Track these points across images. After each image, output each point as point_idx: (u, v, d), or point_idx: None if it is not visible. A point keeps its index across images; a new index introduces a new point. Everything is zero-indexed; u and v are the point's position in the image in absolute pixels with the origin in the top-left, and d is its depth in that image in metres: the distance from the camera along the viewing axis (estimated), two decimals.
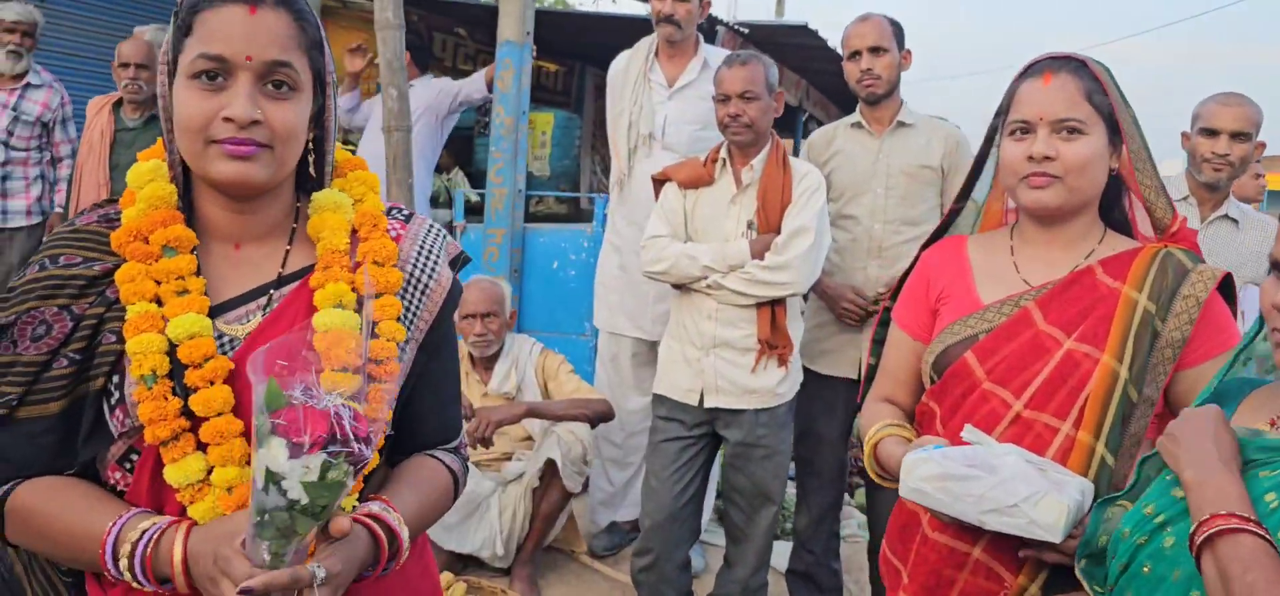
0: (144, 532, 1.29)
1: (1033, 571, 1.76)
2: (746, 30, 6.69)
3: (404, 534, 1.41)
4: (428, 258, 1.54)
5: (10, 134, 5.40)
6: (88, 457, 1.36)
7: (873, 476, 1.99)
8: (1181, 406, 1.78)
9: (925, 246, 2.12)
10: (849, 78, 3.61)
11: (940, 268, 2.03)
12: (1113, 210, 1.96)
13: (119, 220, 1.41)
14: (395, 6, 3.69)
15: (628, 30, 5.18)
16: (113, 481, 1.38)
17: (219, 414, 1.33)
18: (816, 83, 9.32)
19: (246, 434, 1.34)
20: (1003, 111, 1.92)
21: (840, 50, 3.68)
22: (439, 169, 10.80)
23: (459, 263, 1.60)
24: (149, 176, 1.41)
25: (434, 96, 5.70)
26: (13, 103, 5.40)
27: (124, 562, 1.28)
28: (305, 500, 1.18)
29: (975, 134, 3.68)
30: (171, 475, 1.32)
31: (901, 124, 3.59)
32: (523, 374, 4.15)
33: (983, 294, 1.93)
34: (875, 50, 3.51)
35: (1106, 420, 1.75)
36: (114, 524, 1.31)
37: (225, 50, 1.33)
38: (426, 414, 1.54)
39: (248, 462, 1.33)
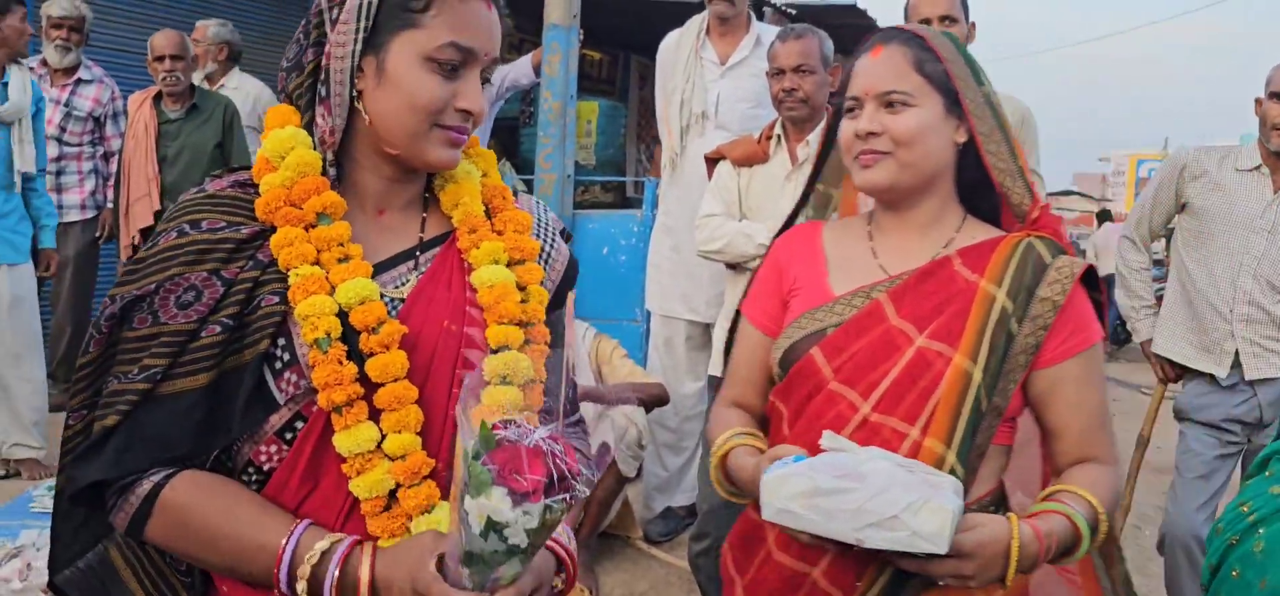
0: (326, 553, 1.24)
1: (870, 582, 1.62)
2: (794, 11, 6.60)
3: (574, 549, 1.43)
4: (547, 230, 1.57)
5: (63, 129, 5.46)
6: (246, 430, 1.31)
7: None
8: (1043, 406, 1.70)
9: (777, 236, 1.96)
10: None
11: (793, 256, 1.87)
12: (983, 194, 1.79)
13: (254, 186, 1.38)
14: None
15: (672, 15, 5.11)
16: (263, 460, 1.33)
17: (395, 379, 1.31)
18: None
19: (419, 400, 1.32)
20: (840, 90, 1.79)
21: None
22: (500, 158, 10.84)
23: (566, 236, 1.63)
24: (290, 143, 1.37)
25: None
26: (65, 98, 5.46)
27: (303, 585, 1.23)
28: (525, 544, 1.16)
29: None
30: (343, 442, 1.28)
31: None
32: (576, 359, 4.11)
33: (834, 284, 1.77)
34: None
35: (958, 426, 1.60)
36: (287, 539, 1.25)
37: (474, 43, 1.33)
38: (547, 384, 1.51)
39: (420, 431, 1.32)
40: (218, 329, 1.28)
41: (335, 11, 1.35)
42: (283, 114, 1.40)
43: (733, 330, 1.96)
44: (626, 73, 11.50)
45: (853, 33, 7.62)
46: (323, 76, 1.36)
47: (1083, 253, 16.80)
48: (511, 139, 8.77)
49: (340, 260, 1.34)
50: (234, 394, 1.28)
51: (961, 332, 1.63)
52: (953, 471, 1.58)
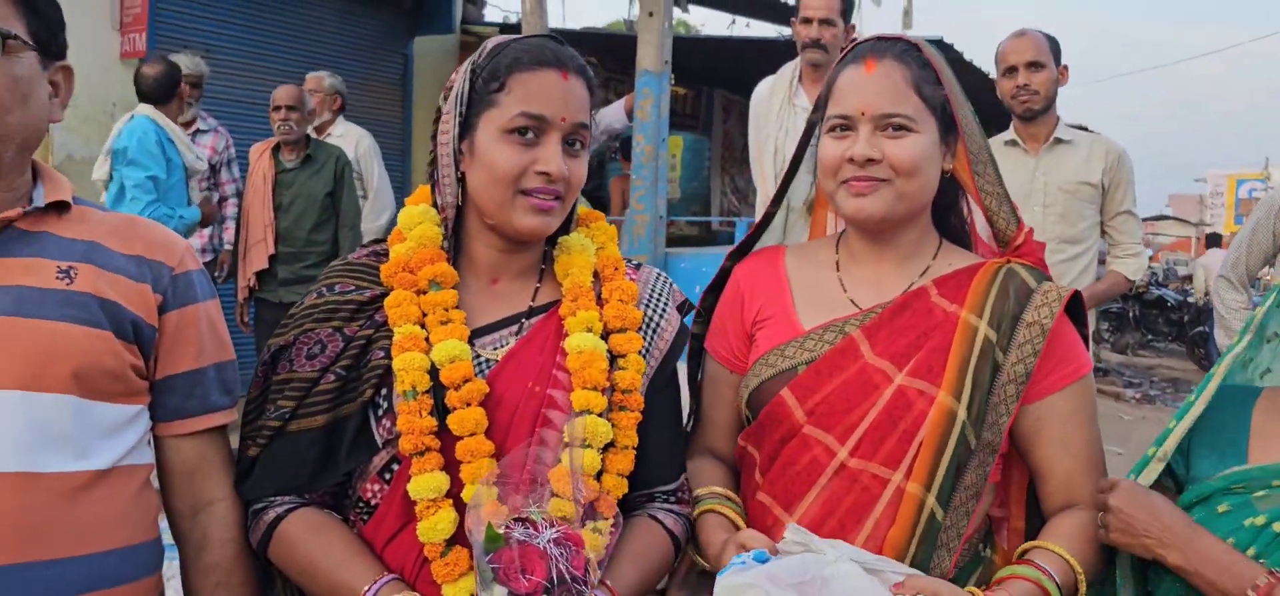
0: None
1: None
2: None
3: None
4: (658, 301, 1.66)
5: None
6: (351, 467, 1.50)
7: (694, 560, 1.65)
8: (1029, 445, 1.60)
9: (734, 257, 1.82)
10: (1003, 94, 3.59)
11: (756, 284, 1.73)
12: (948, 216, 1.71)
13: (387, 255, 1.58)
14: None
15: (756, 53, 5.22)
16: (369, 496, 1.52)
17: (472, 434, 1.45)
18: None
19: (496, 454, 1.46)
20: (821, 103, 1.65)
21: (995, 67, 3.65)
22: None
23: (684, 309, 1.71)
24: (418, 219, 1.57)
25: None
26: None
27: None
28: None
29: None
30: (415, 487, 1.44)
31: (1058, 140, 3.55)
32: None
33: (803, 318, 1.65)
34: (1032, 66, 3.47)
35: (940, 468, 1.51)
36: (369, 589, 1.42)
37: (546, 110, 1.47)
38: (654, 449, 1.62)
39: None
40: (333, 378, 1.50)
41: (444, 104, 1.55)
42: (422, 193, 1.61)
43: (692, 354, 1.81)
44: (711, 106, 11.63)
45: None
46: (436, 161, 1.56)
47: (1188, 279, 16.28)
48: (598, 171, 8.96)
49: (442, 322, 1.51)
50: (345, 435, 1.49)
51: (943, 368, 1.54)
52: (930, 516, 1.51)
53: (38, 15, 1.40)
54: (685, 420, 1.79)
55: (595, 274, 1.63)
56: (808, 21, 3.71)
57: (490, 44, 1.54)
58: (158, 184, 4.86)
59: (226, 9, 7.11)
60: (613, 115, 5.86)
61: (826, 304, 1.65)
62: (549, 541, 1.31)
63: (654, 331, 1.64)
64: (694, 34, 13.43)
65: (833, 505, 1.55)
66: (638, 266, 1.71)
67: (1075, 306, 1.63)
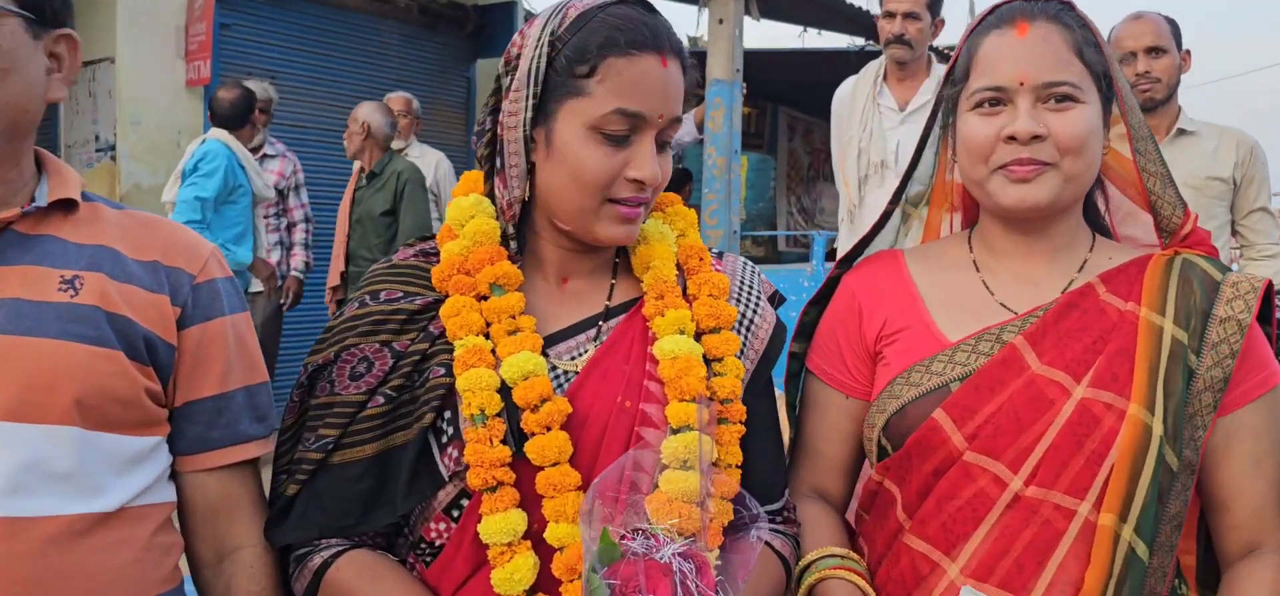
0: None
1: None
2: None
3: None
4: (751, 294, 1.44)
5: None
6: (411, 506, 1.27)
7: None
8: (1212, 468, 1.36)
9: (842, 266, 1.58)
10: None
11: (876, 293, 1.49)
12: (1090, 209, 1.49)
13: (437, 254, 1.36)
14: None
15: (823, 65, 5.05)
16: (433, 536, 1.30)
17: (556, 463, 1.23)
18: None
19: (583, 486, 1.23)
20: (959, 78, 1.42)
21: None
22: None
23: (775, 301, 1.48)
24: (470, 211, 1.34)
25: None
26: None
27: None
28: None
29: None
30: (487, 529, 1.22)
31: (1182, 131, 3.27)
32: None
33: (945, 327, 1.42)
34: (1153, 51, 3.20)
35: (1137, 495, 1.27)
36: None
37: (644, 107, 1.24)
38: (756, 467, 1.38)
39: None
40: (381, 401, 1.27)
41: (508, 78, 1.30)
42: (470, 180, 1.37)
43: (794, 381, 1.58)
44: (775, 125, 11.45)
45: None
46: (499, 147, 1.32)
47: None
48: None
49: (510, 332, 1.28)
50: (400, 467, 1.26)
51: (1130, 376, 1.31)
52: (1130, 552, 1.27)
53: None
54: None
55: (677, 265, 1.40)
56: (891, 15, 3.51)
57: (572, 10, 1.28)
58: (205, 206, 4.81)
59: (290, 35, 7.10)
60: (684, 129, 5.71)
61: (972, 310, 1.42)
62: (675, 554, 1.09)
63: (749, 329, 1.40)
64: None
65: (1007, 542, 1.31)
66: (720, 255, 1.48)
67: (1265, 304, 1.38)
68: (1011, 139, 1.34)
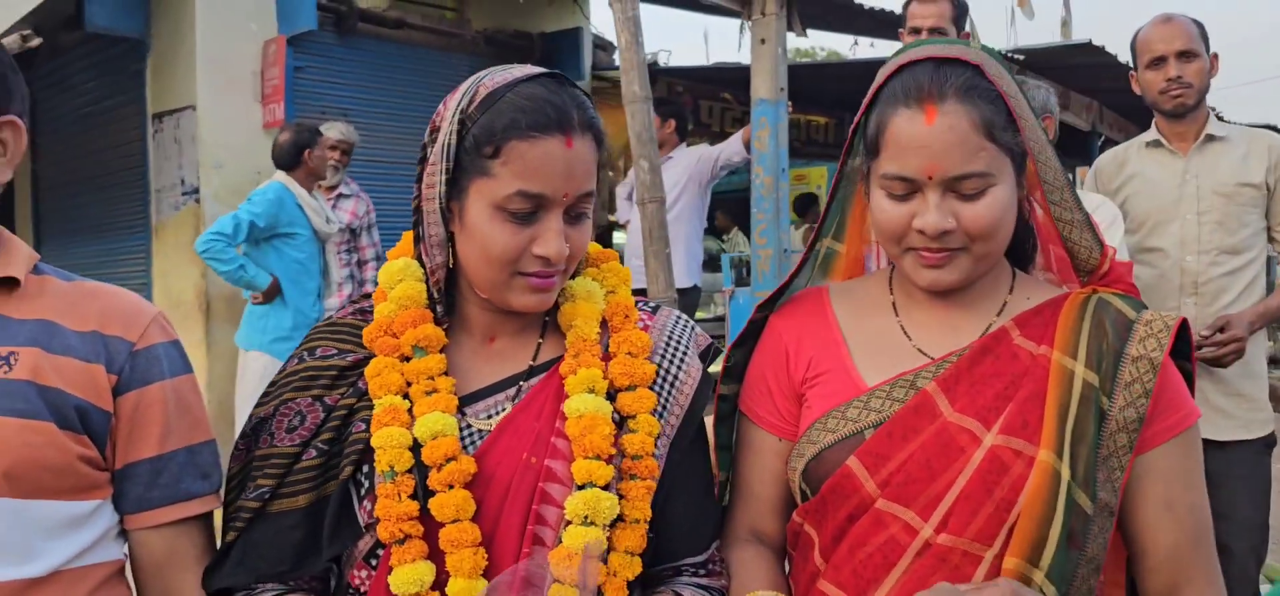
0: None
1: None
2: (1022, 57, 6.25)
3: None
4: (677, 349, 1.46)
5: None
6: (334, 553, 1.35)
7: None
8: (1129, 506, 1.33)
9: (767, 306, 1.56)
10: (1148, 89, 3.18)
11: (801, 335, 1.48)
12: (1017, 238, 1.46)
13: (372, 314, 1.42)
14: (641, 79, 3.72)
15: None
16: (356, 582, 1.36)
17: (455, 520, 1.28)
18: (1110, 102, 8.55)
19: (487, 540, 1.28)
20: (869, 144, 1.38)
21: (1133, 57, 3.26)
22: (719, 231, 10.94)
23: (709, 355, 1.50)
24: (400, 275, 1.41)
25: (695, 164, 5.73)
26: (326, 212, 5.99)
27: None
28: None
29: None
30: (395, 580, 1.27)
31: (1211, 137, 3.13)
32: None
33: (864, 371, 1.41)
34: (1184, 55, 3.07)
35: (1049, 540, 1.26)
36: None
37: (545, 189, 1.28)
38: (677, 517, 1.42)
39: (486, 573, 1.28)
40: (314, 453, 1.33)
41: (429, 149, 1.35)
42: (405, 242, 1.43)
43: (721, 417, 1.57)
44: None
45: (1089, 72, 7.14)
46: (421, 216, 1.37)
47: None
48: (743, 208, 8.79)
49: (428, 393, 1.33)
50: (328, 517, 1.32)
51: (1040, 422, 1.30)
52: (1041, 593, 1.26)
53: None
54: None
55: (604, 322, 1.43)
56: (916, 31, 3.44)
57: (482, 89, 1.32)
58: (237, 228, 5.02)
59: (360, 74, 7.35)
60: (731, 149, 5.70)
61: (890, 354, 1.42)
62: None
63: (671, 385, 1.43)
64: (837, 59, 13.14)
65: (915, 589, 1.29)
66: (654, 310, 1.50)
67: (1181, 341, 1.36)
68: (922, 232, 1.32)
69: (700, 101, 9.62)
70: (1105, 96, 8.25)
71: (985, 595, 1.14)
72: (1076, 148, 8.71)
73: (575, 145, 1.30)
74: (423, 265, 1.40)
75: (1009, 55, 6.21)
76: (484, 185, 1.29)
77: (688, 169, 5.70)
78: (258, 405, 1.42)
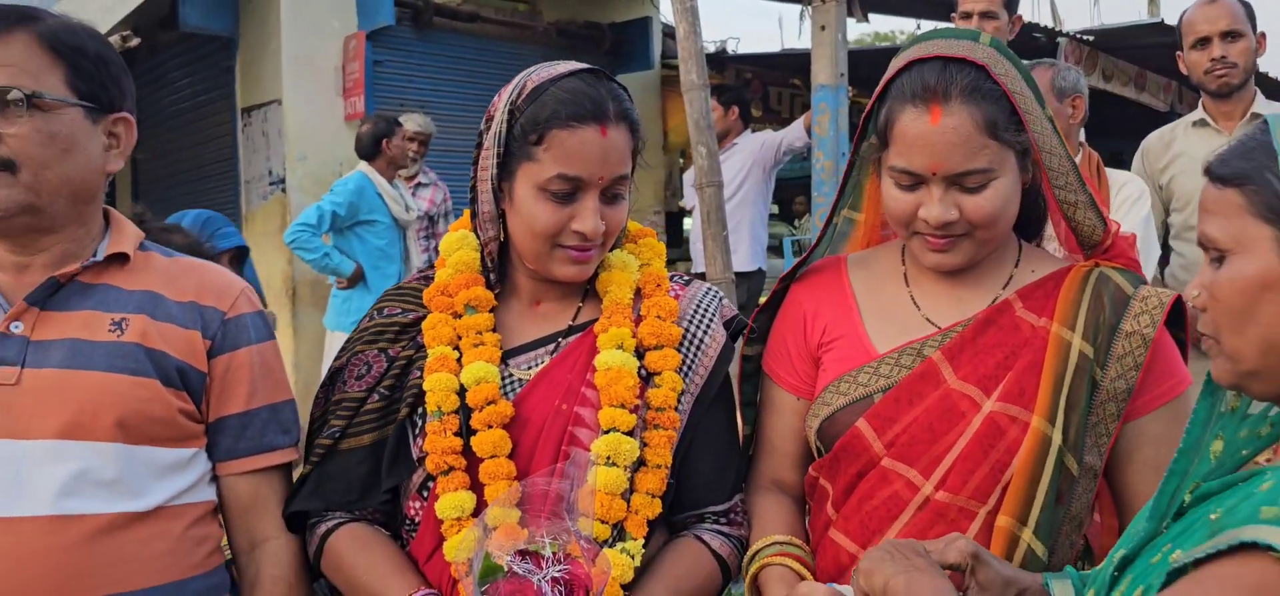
0: None
1: None
2: (1091, 38, 6.20)
3: None
4: (703, 316, 1.61)
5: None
6: (392, 483, 1.53)
7: None
8: (1116, 468, 1.43)
9: (792, 275, 1.67)
10: (1193, 69, 3.23)
11: (819, 302, 1.59)
12: (1027, 209, 1.53)
13: (434, 280, 1.61)
14: (699, 68, 3.85)
15: None
16: (412, 513, 1.55)
17: (493, 455, 1.46)
18: (1189, 82, 8.37)
19: (521, 475, 1.46)
20: (879, 134, 1.47)
21: (1180, 38, 3.30)
22: (793, 215, 10.97)
23: (735, 326, 1.65)
24: (457, 245, 1.60)
25: (759, 150, 5.82)
26: (408, 198, 6.25)
27: None
28: None
29: None
30: (440, 506, 1.46)
31: (1257, 116, 3.16)
32: None
33: (875, 339, 1.53)
34: (1229, 35, 3.11)
35: (1036, 499, 1.37)
36: None
37: (582, 172, 1.45)
38: (701, 468, 1.58)
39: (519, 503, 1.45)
40: (377, 398, 1.54)
41: (484, 136, 1.53)
42: (465, 219, 1.62)
43: (746, 376, 1.70)
44: None
45: (1166, 52, 7.03)
46: (476, 193, 1.55)
47: None
48: (810, 196, 8.85)
49: (475, 345, 1.52)
50: (388, 452, 1.52)
51: (1036, 390, 1.40)
52: (1030, 549, 1.37)
53: (80, 73, 1.47)
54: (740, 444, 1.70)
55: (638, 291, 1.60)
56: (967, 15, 3.50)
57: (530, 84, 1.49)
58: (321, 219, 5.30)
59: (437, 66, 7.60)
60: (793, 135, 5.78)
61: (900, 323, 1.53)
62: (546, 579, 1.29)
63: (696, 348, 1.59)
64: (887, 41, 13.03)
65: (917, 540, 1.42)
66: (687, 282, 1.66)
67: (1177, 314, 1.45)
68: (926, 221, 1.43)
69: (769, 87, 9.69)
70: (1184, 77, 8.10)
71: (947, 555, 1.23)
72: (1154, 129, 8.52)
73: (610, 134, 1.46)
74: (478, 237, 1.58)
75: (1076, 36, 6.17)
76: (529, 168, 1.47)
77: (752, 154, 5.80)
78: (336, 358, 1.63)
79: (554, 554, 1.32)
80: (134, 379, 1.46)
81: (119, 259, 1.55)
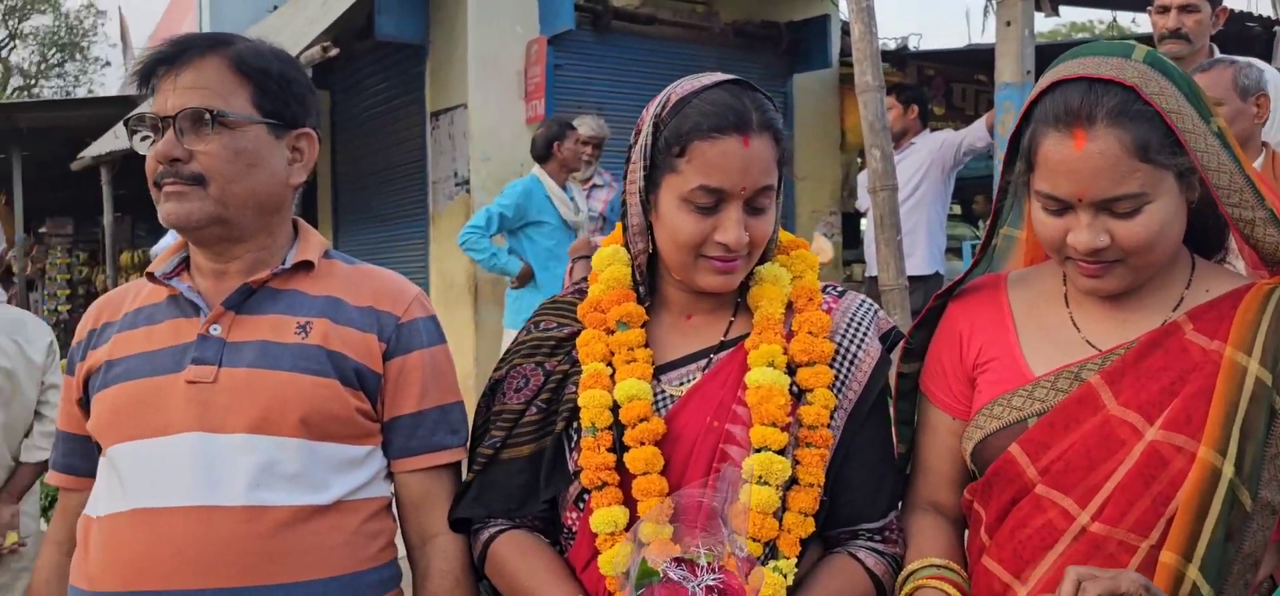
0: None
1: None
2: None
3: None
4: (857, 330, 1.58)
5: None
6: (550, 494, 1.57)
7: None
8: None
9: (948, 293, 1.61)
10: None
11: (975, 323, 1.54)
12: (1206, 217, 1.42)
13: (586, 293, 1.63)
14: (874, 69, 3.76)
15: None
16: (569, 522, 1.58)
17: (645, 472, 1.48)
18: None
19: (673, 492, 1.47)
20: (1023, 154, 1.40)
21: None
22: (975, 217, 10.58)
23: (891, 338, 1.62)
24: (609, 261, 1.62)
25: (938, 150, 5.64)
26: (581, 200, 6.40)
27: None
28: None
29: None
30: (594, 521, 1.49)
31: None
32: None
33: (1032, 361, 1.46)
34: (1186, 8, 3.09)
35: (1203, 535, 1.27)
36: None
37: (723, 183, 1.44)
38: (855, 484, 1.55)
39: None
40: (535, 411, 1.58)
41: (632, 149, 1.55)
42: (618, 233, 1.63)
43: (902, 394, 1.66)
44: None
45: None
46: (626, 207, 1.57)
47: None
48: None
49: (627, 361, 1.53)
50: (546, 464, 1.55)
51: (1204, 419, 1.31)
52: (1196, 589, 1.28)
53: (265, 92, 1.58)
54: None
55: (790, 305, 1.58)
56: (1165, 10, 3.30)
57: (674, 96, 1.50)
58: (490, 221, 5.51)
59: (615, 68, 7.73)
60: (974, 135, 5.57)
61: (1058, 344, 1.46)
62: (701, 586, 1.30)
63: (850, 363, 1.56)
64: (1124, 35, 12.30)
65: None
66: (841, 293, 1.63)
67: None
68: (1076, 248, 1.37)
69: (952, 84, 9.37)
70: None
71: (1119, 581, 1.18)
72: None
73: (753, 144, 1.45)
74: (629, 251, 1.60)
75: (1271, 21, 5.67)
76: (673, 180, 1.47)
77: (930, 154, 5.63)
78: (495, 369, 1.68)
79: (709, 563, 1.33)
80: (316, 379, 1.56)
81: (305, 266, 1.65)
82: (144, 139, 1.59)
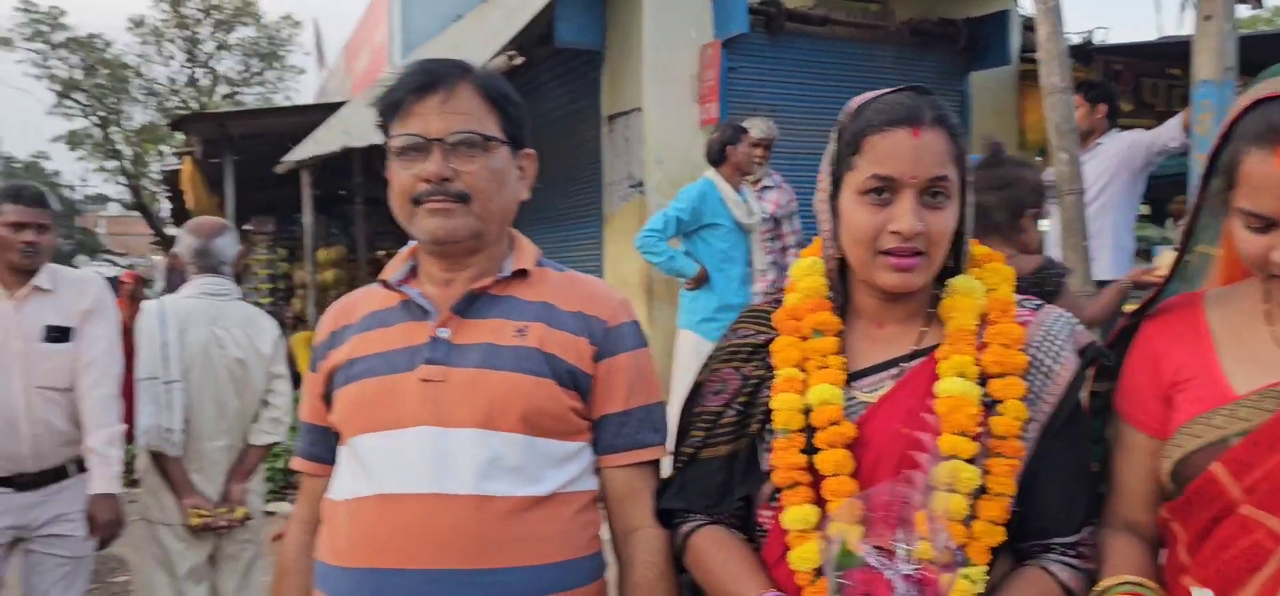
0: None
1: None
2: None
3: None
4: (1053, 343, 1.60)
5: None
6: (745, 492, 1.66)
7: None
8: None
9: (1143, 310, 1.59)
10: None
11: (1171, 340, 1.52)
12: None
13: (783, 302, 1.74)
14: (1061, 71, 3.68)
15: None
16: (762, 520, 1.67)
17: (835, 474, 1.55)
18: None
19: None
20: (1224, 171, 1.39)
21: None
22: (1165, 216, 10.03)
23: (1090, 353, 1.62)
24: (806, 271, 1.70)
25: (1126, 150, 5.42)
26: (754, 203, 6.46)
27: None
28: None
29: None
30: (785, 518, 1.58)
31: None
32: None
33: (1233, 380, 1.43)
34: None
35: None
36: None
37: (894, 171, 1.50)
38: (1048, 497, 1.57)
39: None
40: (732, 413, 1.67)
41: (823, 160, 1.64)
42: (817, 245, 1.71)
43: (1094, 412, 1.66)
44: None
45: None
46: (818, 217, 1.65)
47: None
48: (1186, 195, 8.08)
49: (820, 367, 1.61)
50: (741, 464, 1.65)
51: None
52: None
53: (508, 117, 1.75)
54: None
55: (984, 317, 1.61)
56: None
57: (855, 104, 1.60)
58: (667, 224, 5.63)
59: (788, 71, 7.75)
60: (1168, 135, 5.32)
61: (1261, 363, 1.45)
62: (899, 576, 1.36)
63: (1046, 376, 1.57)
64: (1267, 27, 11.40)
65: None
66: (1037, 308, 1.65)
67: None
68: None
69: (1141, 79, 8.92)
70: None
71: None
72: None
73: (923, 135, 1.51)
74: (825, 263, 1.68)
75: None
76: (850, 178, 1.56)
77: (1118, 155, 5.42)
78: (699, 373, 1.79)
79: (910, 556, 1.39)
80: (535, 379, 1.71)
81: (520, 274, 1.81)
82: (401, 158, 1.72)
